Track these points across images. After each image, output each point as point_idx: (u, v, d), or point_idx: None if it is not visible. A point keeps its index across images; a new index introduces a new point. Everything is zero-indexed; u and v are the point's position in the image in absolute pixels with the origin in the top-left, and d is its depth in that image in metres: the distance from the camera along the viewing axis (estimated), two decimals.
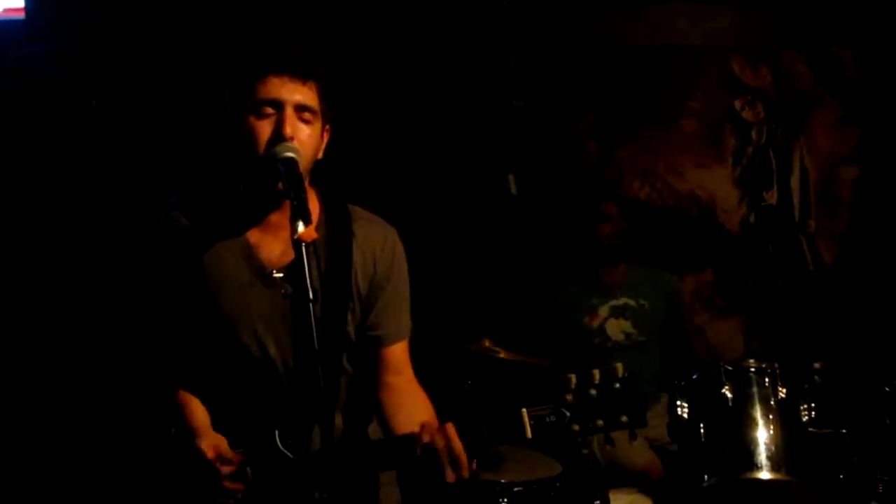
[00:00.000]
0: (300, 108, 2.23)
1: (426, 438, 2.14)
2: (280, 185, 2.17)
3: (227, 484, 2.22)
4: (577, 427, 2.10)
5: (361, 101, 4.50)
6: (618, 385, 2.11)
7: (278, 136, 2.20)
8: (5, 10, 4.19)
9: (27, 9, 4.18)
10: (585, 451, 4.05)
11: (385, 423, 2.41)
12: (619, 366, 2.12)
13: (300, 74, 2.24)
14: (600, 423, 2.11)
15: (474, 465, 2.17)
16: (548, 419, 2.10)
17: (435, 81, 4.73)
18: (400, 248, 2.45)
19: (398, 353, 2.46)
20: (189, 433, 2.30)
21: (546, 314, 4.40)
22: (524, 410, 2.11)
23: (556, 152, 4.97)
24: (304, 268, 2.03)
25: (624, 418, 2.11)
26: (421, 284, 2.55)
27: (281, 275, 2.29)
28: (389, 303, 2.43)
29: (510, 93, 4.84)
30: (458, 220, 4.69)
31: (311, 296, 2.01)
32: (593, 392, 2.11)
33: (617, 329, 4.31)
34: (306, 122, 2.25)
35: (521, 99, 4.85)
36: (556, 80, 4.96)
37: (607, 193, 4.64)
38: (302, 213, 2.04)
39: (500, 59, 4.82)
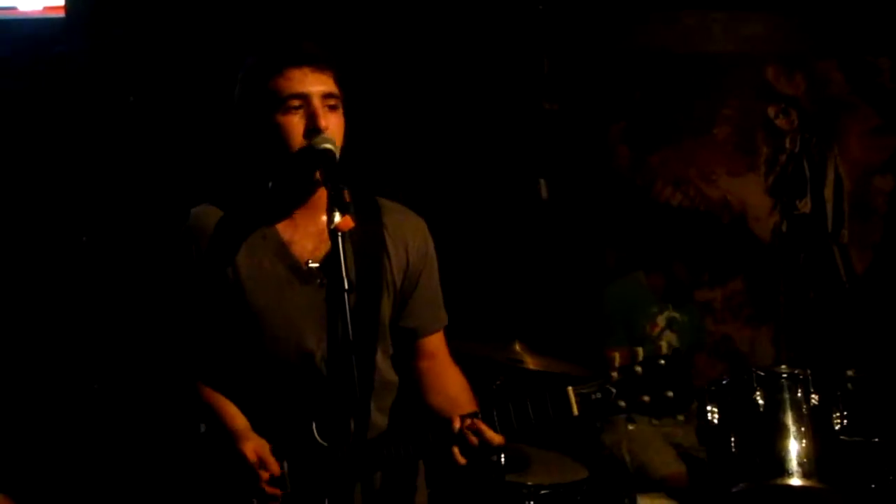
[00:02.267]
0: (326, 97, 2.22)
1: (456, 426, 2.16)
2: (319, 175, 2.17)
3: (267, 489, 2.23)
4: (623, 403, 2.11)
5: (396, 102, 4.52)
6: (663, 361, 2.11)
7: (314, 129, 2.19)
8: (45, 9, 4.24)
9: (67, 7, 4.23)
10: (605, 453, 4.06)
11: (424, 406, 2.42)
12: (664, 344, 2.14)
13: (317, 64, 2.22)
14: (646, 398, 2.11)
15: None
16: (593, 396, 2.11)
17: (469, 83, 4.73)
18: (430, 239, 2.45)
19: (435, 342, 2.48)
20: (230, 435, 2.30)
21: (593, 313, 4.37)
22: (570, 388, 2.12)
23: (587, 157, 4.97)
24: (339, 257, 2.04)
25: (670, 394, 2.11)
26: (451, 284, 2.56)
27: (316, 264, 2.29)
28: (424, 293, 2.43)
29: (543, 96, 4.85)
30: (489, 222, 4.69)
31: (346, 285, 2.02)
32: (638, 369, 2.11)
33: (666, 342, 4.27)
34: (333, 108, 2.23)
35: (553, 102, 4.85)
36: (590, 84, 4.97)
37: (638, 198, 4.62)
38: (340, 202, 2.05)
39: (533, 63, 4.82)
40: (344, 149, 2.27)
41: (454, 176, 4.67)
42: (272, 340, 2.30)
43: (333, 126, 2.22)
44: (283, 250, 2.31)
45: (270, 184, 2.33)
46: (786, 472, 3.10)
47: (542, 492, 3.54)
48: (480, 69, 4.74)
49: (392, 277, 2.37)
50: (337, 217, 2.02)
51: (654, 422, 4.16)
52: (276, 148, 2.23)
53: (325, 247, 2.21)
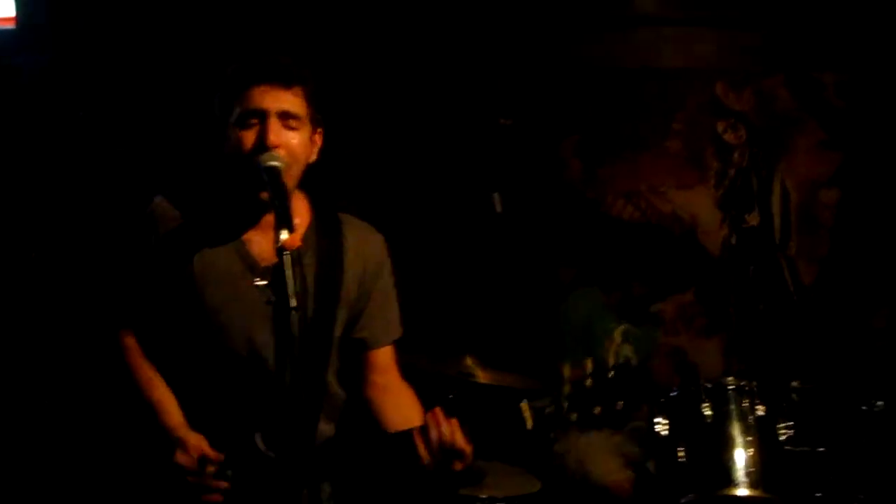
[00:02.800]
0: (285, 116, 2.24)
1: (433, 432, 2.19)
2: (264, 194, 2.19)
3: (210, 482, 2.23)
4: (575, 416, 2.16)
5: (349, 116, 4.52)
6: (612, 373, 2.17)
7: (262, 146, 2.21)
8: None
9: (18, 18, 4.19)
10: (557, 463, 4.08)
11: (377, 421, 2.46)
12: (620, 356, 2.17)
13: (283, 81, 2.24)
14: (597, 410, 2.16)
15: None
16: (547, 410, 2.16)
17: (423, 98, 4.76)
18: (387, 253, 2.51)
19: (385, 354, 2.52)
20: (168, 431, 2.30)
21: (546, 327, 4.39)
22: (524, 403, 2.17)
23: (541, 171, 5.01)
24: (284, 276, 2.05)
25: (620, 405, 2.16)
26: (404, 297, 2.58)
27: (265, 282, 2.31)
28: (378, 306, 2.48)
29: (497, 111, 4.88)
30: (443, 235, 4.71)
31: (293, 304, 2.03)
32: (588, 381, 2.17)
33: (623, 355, 4.31)
34: (292, 128, 2.26)
35: (507, 117, 4.89)
36: (543, 99, 5.01)
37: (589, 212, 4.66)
38: (286, 220, 2.06)
39: (487, 77, 4.86)
40: (314, 166, 2.33)
41: (409, 190, 4.69)
42: (222, 336, 2.31)
43: (291, 144, 2.25)
44: (241, 248, 2.33)
45: (228, 192, 2.35)
46: (732, 483, 3.13)
47: None
48: (435, 85, 4.77)
49: (348, 292, 2.40)
50: (284, 235, 2.04)
51: (606, 432, 4.20)
52: (232, 160, 2.26)
53: (293, 240, 2.21)
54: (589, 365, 2.19)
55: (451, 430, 2.19)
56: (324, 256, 2.36)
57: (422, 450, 2.19)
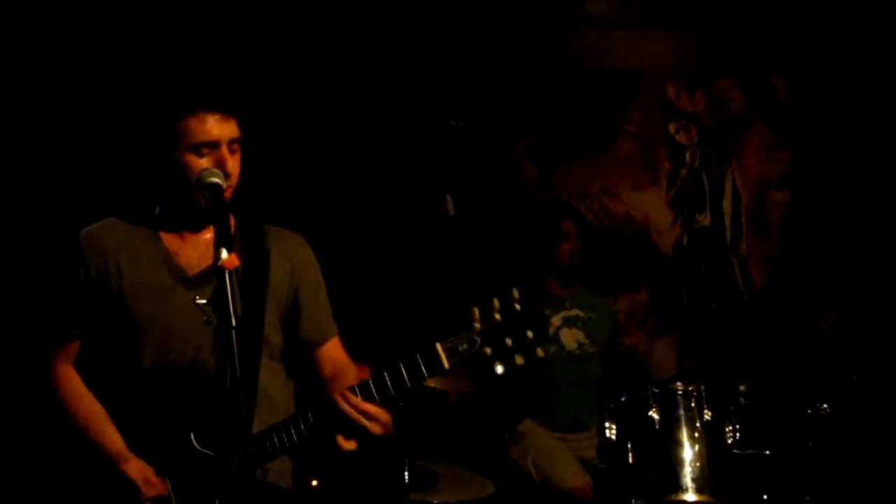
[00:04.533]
0: (232, 143, 2.37)
1: (343, 406, 2.25)
2: (204, 204, 2.29)
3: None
4: (488, 350, 2.23)
5: (301, 121, 4.50)
6: (518, 306, 2.24)
7: (223, 174, 2.32)
8: None
9: None
10: (513, 467, 4.09)
11: None
12: (515, 289, 2.26)
13: (229, 111, 2.36)
14: (509, 342, 2.23)
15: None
16: (460, 348, 2.23)
17: (375, 101, 4.74)
18: (311, 253, 2.62)
19: (333, 346, 2.62)
20: (112, 456, 2.33)
21: None
22: (438, 344, 2.24)
23: (493, 173, 5.01)
24: (227, 295, 2.05)
25: (529, 334, 2.23)
26: (356, 302, 2.62)
27: (204, 301, 2.36)
28: (316, 303, 2.58)
29: (449, 113, 4.87)
30: (394, 238, 4.70)
31: (233, 322, 2.04)
32: (497, 316, 2.23)
33: (571, 338, 4.34)
34: (234, 152, 2.38)
35: (459, 119, 4.88)
36: (495, 100, 5.01)
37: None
38: (226, 239, 2.09)
39: (439, 80, 4.85)
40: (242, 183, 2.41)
41: (360, 193, 4.67)
42: (153, 347, 2.36)
43: (234, 169, 2.37)
44: (168, 259, 2.41)
45: (158, 208, 2.47)
46: (680, 488, 3.16)
47: None
48: (386, 87, 4.75)
49: (278, 289, 2.49)
50: (224, 254, 2.05)
51: (557, 435, 4.23)
52: (173, 181, 2.35)
53: (209, 257, 2.34)
54: (496, 302, 2.25)
55: (355, 403, 2.26)
56: (249, 259, 2.42)
57: (343, 406, 2.24)
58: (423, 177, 4.78)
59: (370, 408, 2.26)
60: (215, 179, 2.26)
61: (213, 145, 2.33)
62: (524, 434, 4.22)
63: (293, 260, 2.55)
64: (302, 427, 2.30)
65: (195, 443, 2.31)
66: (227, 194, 2.31)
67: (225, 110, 2.35)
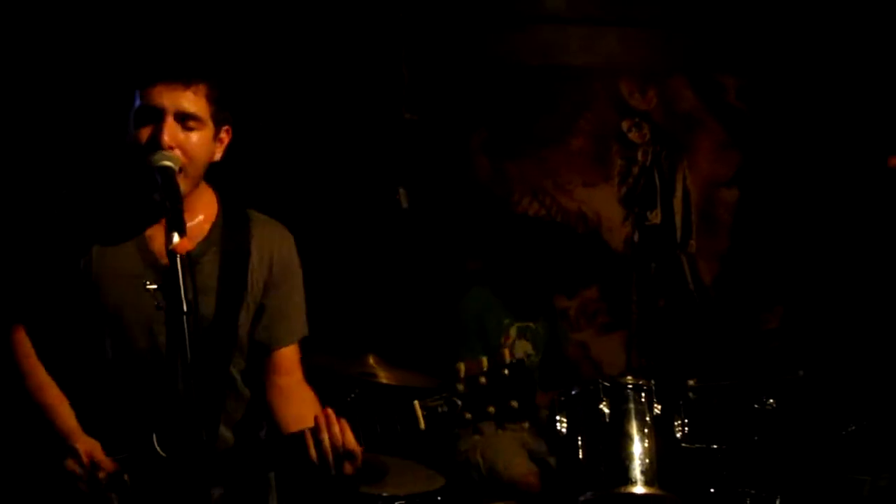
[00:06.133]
0: (183, 117, 2.20)
1: (322, 434, 2.16)
2: (157, 196, 2.14)
3: (102, 490, 2.17)
4: (469, 415, 2.16)
5: (250, 110, 4.43)
6: (506, 371, 2.16)
7: (155, 145, 2.17)
8: None
9: None
10: (461, 459, 4.08)
11: (275, 424, 2.43)
12: (506, 352, 2.19)
13: (183, 79, 2.20)
14: (491, 409, 2.16)
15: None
16: (440, 409, 2.16)
17: (327, 92, 4.70)
18: (295, 252, 2.49)
19: (289, 355, 2.49)
20: (61, 438, 2.24)
21: (448, 326, 4.37)
22: (416, 402, 2.16)
23: (447, 167, 5.00)
24: (178, 279, 2.00)
25: (514, 403, 2.16)
26: (308, 295, 2.56)
27: (155, 286, 2.26)
28: (282, 305, 2.45)
29: (403, 105, 4.85)
30: (347, 231, 4.67)
31: (185, 308, 1.99)
32: (483, 380, 2.16)
33: (521, 351, 4.31)
34: (191, 129, 2.22)
35: (413, 112, 4.86)
36: (450, 94, 4.99)
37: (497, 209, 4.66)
38: (177, 223, 2.02)
39: (393, 72, 4.82)
40: (221, 167, 2.30)
41: (312, 185, 4.63)
42: (120, 334, 2.27)
43: (189, 145, 2.21)
44: (142, 244, 2.29)
45: (125, 189, 2.32)
46: (629, 480, 3.19)
47: (397, 503, 3.56)
48: (339, 78, 4.72)
49: (253, 291, 2.38)
50: (175, 238, 1.99)
51: (510, 426, 4.22)
52: (129, 158, 2.21)
53: (183, 244, 2.16)
54: (485, 363, 2.18)
55: (340, 432, 2.17)
56: (229, 254, 2.34)
57: (311, 451, 2.16)
58: (377, 169, 4.76)
59: (348, 436, 2.18)
60: (166, 163, 2.14)
61: (156, 112, 2.18)
62: (469, 428, 4.20)
63: (273, 258, 2.42)
64: (273, 456, 2.26)
65: (156, 444, 2.22)
66: (182, 178, 2.17)
67: (175, 78, 2.19)
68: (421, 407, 2.16)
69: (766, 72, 5.14)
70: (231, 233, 2.36)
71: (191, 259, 2.10)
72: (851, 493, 3.67)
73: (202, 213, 2.36)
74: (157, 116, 2.18)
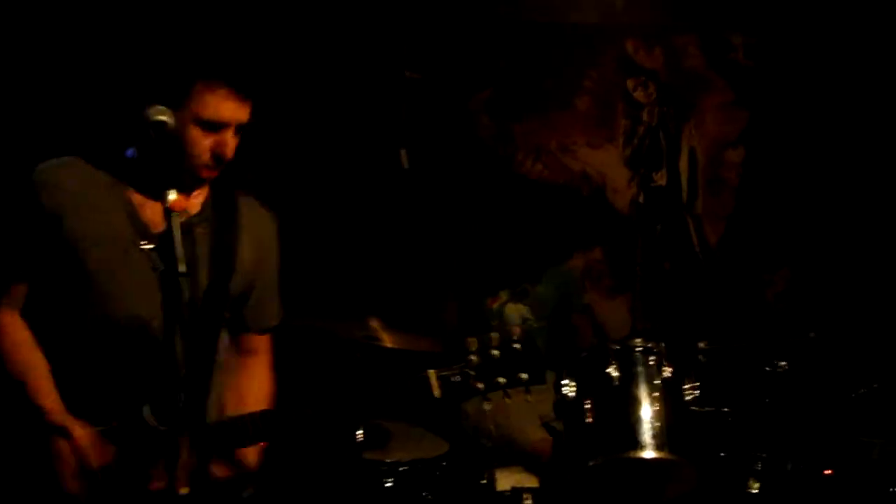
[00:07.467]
0: (239, 128, 2.27)
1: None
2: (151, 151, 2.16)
3: (92, 474, 2.17)
4: (481, 385, 2.30)
5: (253, 73, 4.36)
6: (517, 345, 2.31)
7: (218, 159, 2.24)
8: None
9: None
10: (470, 423, 4.04)
11: (229, 397, 2.46)
12: (517, 327, 2.34)
13: (246, 94, 2.25)
14: (502, 380, 2.31)
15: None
16: (453, 378, 2.29)
17: (330, 52, 4.63)
18: (276, 233, 2.54)
19: (259, 340, 2.55)
20: (43, 414, 2.20)
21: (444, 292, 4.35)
22: (431, 371, 2.28)
23: (449, 127, 4.92)
24: (172, 238, 1.95)
25: (524, 375, 2.32)
26: (309, 259, 2.55)
27: (151, 246, 2.24)
28: (261, 291, 2.49)
29: (405, 64, 4.77)
30: (348, 192, 4.60)
31: (181, 269, 1.94)
32: (495, 353, 2.30)
33: (515, 314, 4.27)
34: (235, 136, 2.27)
35: (416, 71, 4.78)
36: (453, 53, 4.92)
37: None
38: (174, 179, 1.98)
39: (395, 29, 4.73)
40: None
41: (314, 146, 4.57)
42: (109, 302, 2.24)
43: (231, 152, 2.27)
44: (132, 211, 2.27)
45: (130, 154, 2.32)
46: (638, 445, 3.13)
47: (401, 468, 3.52)
48: (341, 37, 4.63)
49: (242, 267, 2.40)
50: (172, 195, 1.95)
51: (527, 395, 4.17)
52: (172, 149, 2.16)
53: (180, 202, 2.14)
54: (495, 338, 2.31)
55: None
56: (219, 229, 2.37)
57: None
58: (379, 129, 4.69)
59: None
60: (162, 117, 2.06)
61: (222, 125, 2.23)
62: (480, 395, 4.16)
63: (261, 242, 2.47)
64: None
65: (149, 416, 2.20)
66: (207, 174, 2.25)
67: (243, 91, 2.25)
68: (436, 376, 2.28)
69: (775, 29, 5.06)
70: (221, 210, 2.40)
71: (188, 226, 2.12)
72: (862, 455, 3.63)
73: (195, 190, 2.38)
74: (219, 127, 2.23)
